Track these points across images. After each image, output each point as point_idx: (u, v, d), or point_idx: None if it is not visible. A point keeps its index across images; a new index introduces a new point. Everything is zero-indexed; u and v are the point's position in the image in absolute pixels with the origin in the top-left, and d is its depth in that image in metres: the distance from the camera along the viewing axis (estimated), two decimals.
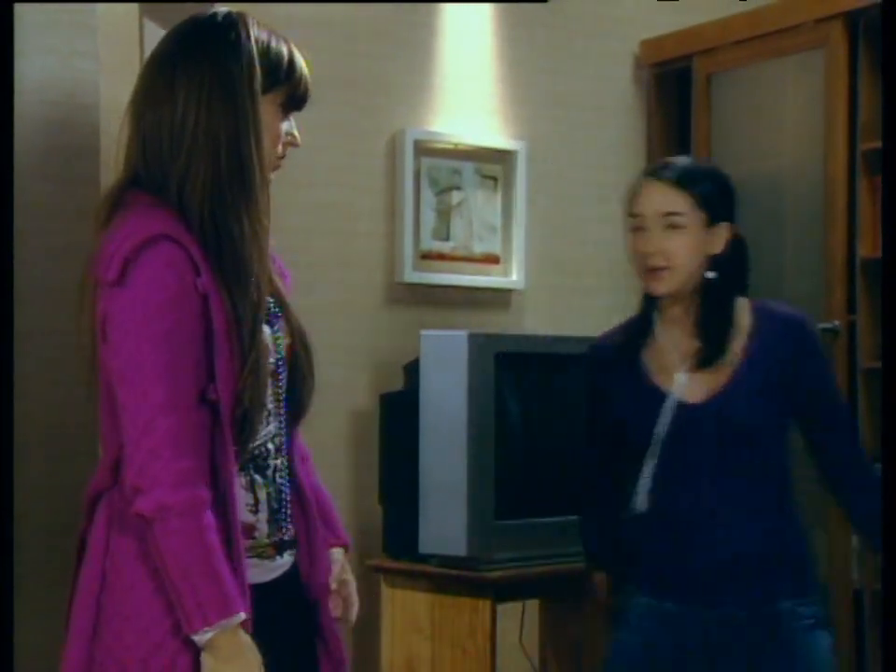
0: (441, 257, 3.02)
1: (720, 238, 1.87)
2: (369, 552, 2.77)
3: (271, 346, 1.57)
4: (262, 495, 1.57)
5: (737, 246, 1.90)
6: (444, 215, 3.04)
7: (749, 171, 3.21)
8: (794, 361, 1.83)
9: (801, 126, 3.09)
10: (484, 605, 2.55)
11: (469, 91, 3.08)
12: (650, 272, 1.87)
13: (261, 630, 1.54)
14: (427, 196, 3.00)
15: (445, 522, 2.56)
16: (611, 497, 1.93)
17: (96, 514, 1.53)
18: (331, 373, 2.77)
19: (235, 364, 1.49)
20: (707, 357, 1.82)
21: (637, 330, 1.92)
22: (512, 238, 3.11)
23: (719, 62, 3.19)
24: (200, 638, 1.44)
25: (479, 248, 3.08)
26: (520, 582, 2.63)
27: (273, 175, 1.62)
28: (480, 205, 3.08)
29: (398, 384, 2.80)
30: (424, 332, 2.64)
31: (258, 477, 1.57)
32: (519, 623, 2.98)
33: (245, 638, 1.46)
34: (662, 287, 1.86)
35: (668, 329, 1.90)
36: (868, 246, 2.88)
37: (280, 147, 1.61)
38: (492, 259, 3.10)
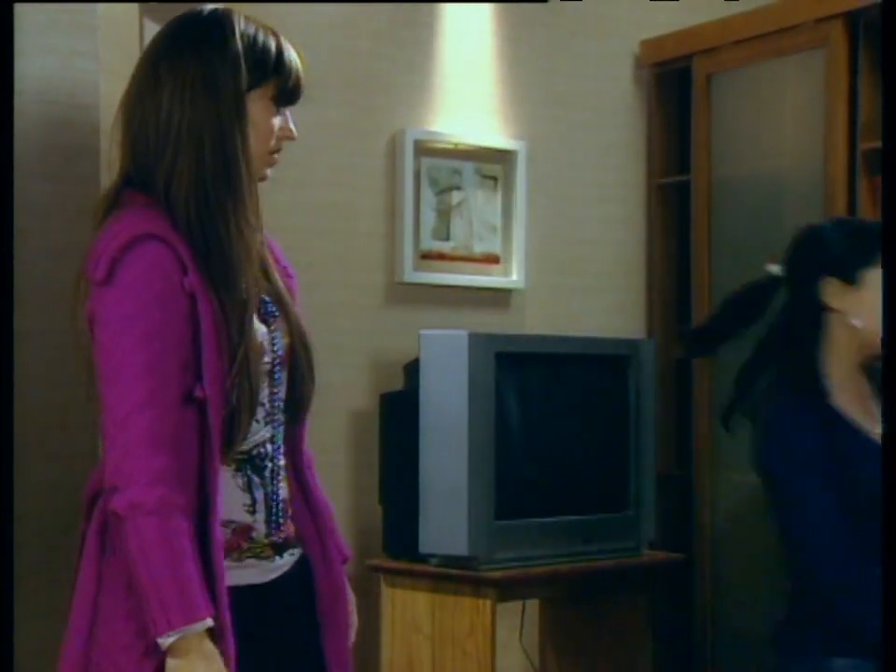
0: (442, 257, 3.02)
1: None
2: (369, 551, 2.77)
3: (266, 345, 1.57)
4: (259, 495, 1.57)
5: None
6: (444, 215, 3.04)
7: (749, 171, 3.21)
8: None
9: (801, 126, 3.08)
10: (485, 605, 2.55)
11: (469, 90, 3.08)
12: None
13: (260, 631, 1.54)
14: (427, 196, 3.00)
15: (445, 521, 2.56)
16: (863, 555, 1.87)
17: (93, 514, 1.53)
18: (331, 373, 2.77)
19: (223, 363, 1.49)
20: None
21: None
22: (513, 238, 3.11)
23: (719, 62, 3.19)
24: (163, 642, 1.43)
25: (479, 248, 3.08)
26: (520, 582, 2.63)
27: (269, 171, 1.61)
28: (480, 205, 3.08)
29: (398, 384, 2.80)
30: (424, 332, 2.64)
31: (255, 477, 1.57)
32: (519, 622, 2.98)
33: (209, 646, 1.45)
34: None
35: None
36: None
37: (274, 142, 1.59)
38: (492, 259, 3.10)
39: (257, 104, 1.56)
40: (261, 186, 1.72)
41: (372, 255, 2.94)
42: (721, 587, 3.17)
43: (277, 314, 1.61)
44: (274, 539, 1.58)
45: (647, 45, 3.33)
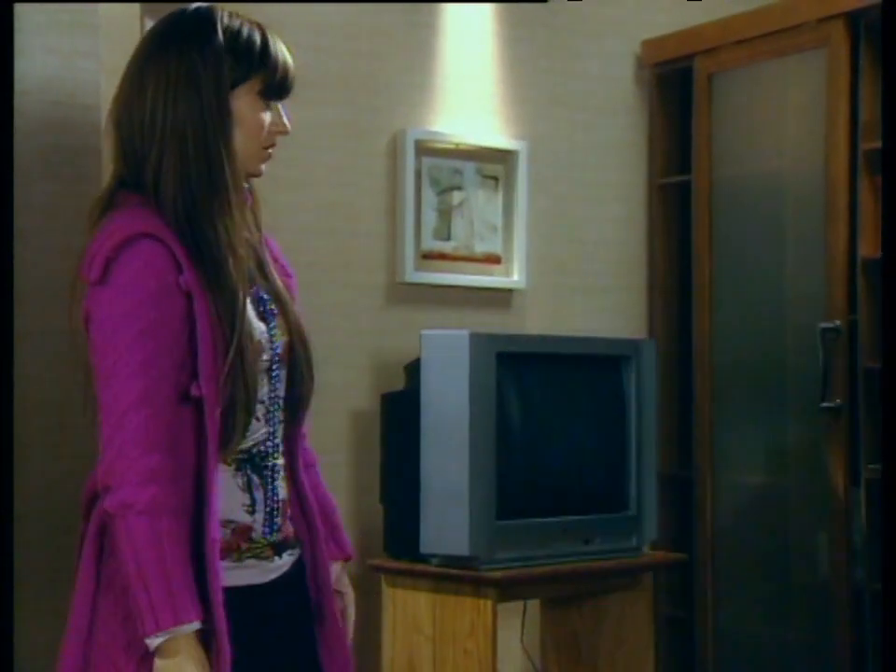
0: (443, 256, 3.02)
1: None
2: (370, 551, 2.77)
3: (264, 343, 1.56)
4: (259, 495, 1.56)
5: None
6: (445, 214, 3.03)
7: (750, 171, 3.21)
8: None
9: (802, 126, 3.08)
10: (486, 604, 2.54)
11: (470, 90, 3.08)
12: None
13: (260, 631, 1.54)
14: (429, 196, 3.00)
15: (446, 521, 2.56)
16: None
17: (92, 515, 1.53)
18: (332, 373, 2.77)
19: (220, 361, 1.49)
20: None
21: None
22: (514, 238, 3.11)
23: (720, 61, 3.19)
24: (151, 642, 1.43)
25: (480, 248, 3.08)
26: (521, 582, 2.63)
27: (264, 167, 1.61)
28: (481, 205, 3.08)
29: (399, 384, 2.80)
30: (425, 332, 2.64)
31: (254, 477, 1.56)
32: (520, 622, 2.98)
33: (197, 648, 1.44)
34: None
35: None
36: (869, 246, 2.88)
37: (266, 137, 1.59)
38: (493, 259, 3.10)
39: (243, 99, 1.55)
40: (263, 186, 1.72)
41: (374, 255, 2.94)
42: (722, 586, 3.17)
43: (276, 312, 1.61)
44: (274, 539, 1.58)
45: (648, 45, 3.33)
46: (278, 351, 1.59)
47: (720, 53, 3.19)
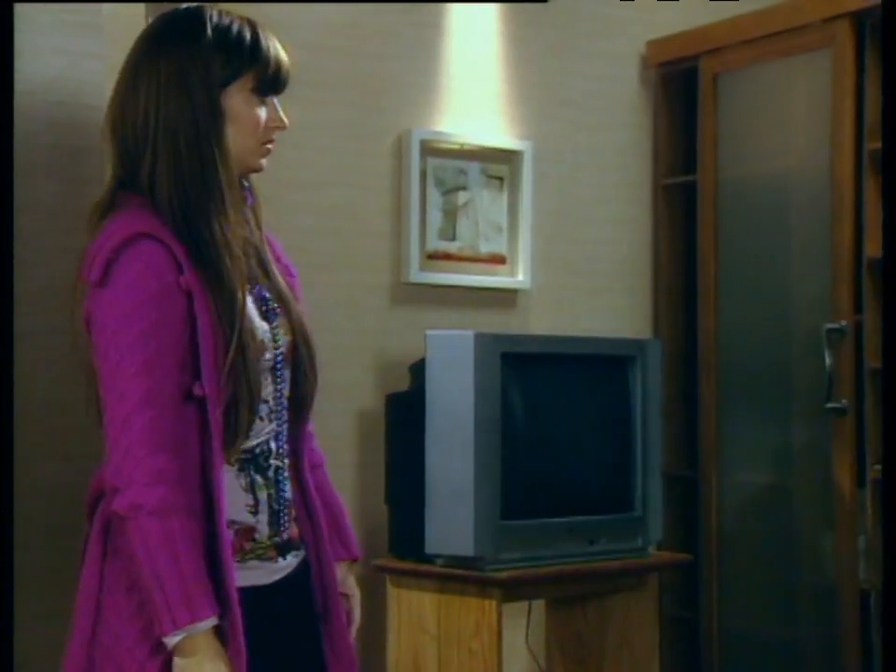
0: (448, 257, 3.02)
1: None
2: (375, 552, 2.76)
3: (267, 343, 1.56)
4: (263, 496, 1.56)
5: None
6: (450, 215, 3.03)
7: (755, 170, 3.21)
8: None
9: (808, 126, 3.08)
10: (491, 605, 2.54)
11: (475, 91, 3.08)
12: None
13: (265, 631, 1.54)
14: (434, 196, 3.00)
15: (451, 522, 2.56)
16: None
17: (95, 515, 1.53)
18: (337, 374, 2.77)
19: (221, 360, 1.49)
20: None
21: None
22: (519, 238, 3.11)
23: (725, 61, 3.19)
24: (169, 641, 1.43)
25: (485, 248, 3.08)
26: (526, 582, 2.63)
27: (264, 161, 1.61)
28: (486, 205, 3.08)
29: (404, 384, 2.80)
30: (430, 332, 2.64)
31: (258, 478, 1.56)
32: (525, 623, 2.98)
33: (216, 645, 1.44)
34: None
35: None
36: (875, 246, 2.87)
37: (263, 133, 1.58)
38: (498, 260, 3.10)
39: (237, 97, 1.55)
40: (268, 186, 1.73)
41: (379, 255, 2.94)
42: (727, 587, 3.16)
43: (279, 311, 1.61)
44: (278, 539, 1.58)
45: (653, 45, 3.33)
46: (282, 350, 1.59)
47: (725, 53, 3.18)
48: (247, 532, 1.55)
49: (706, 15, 3.29)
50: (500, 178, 3.10)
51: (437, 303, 3.00)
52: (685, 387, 3.31)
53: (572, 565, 2.69)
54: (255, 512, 1.56)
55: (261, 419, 1.57)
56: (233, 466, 1.55)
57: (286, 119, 1.61)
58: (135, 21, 2.46)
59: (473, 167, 3.05)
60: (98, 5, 2.21)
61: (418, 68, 2.99)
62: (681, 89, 3.35)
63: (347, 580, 1.73)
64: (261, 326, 1.57)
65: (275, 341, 1.58)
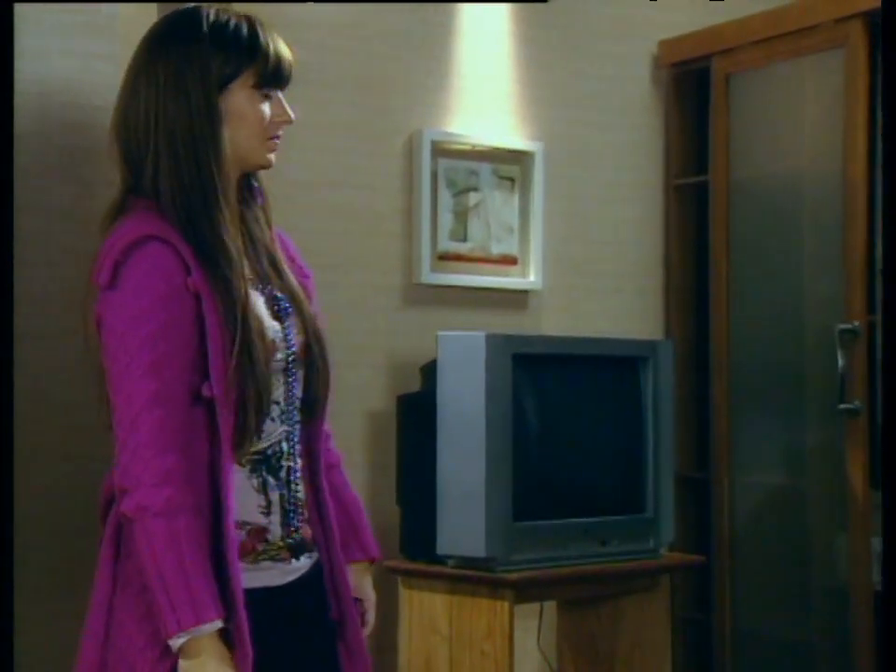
0: (459, 258, 3.02)
1: None
2: (386, 553, 2.76)
3: (279, 343, 1.56)
4: (275, 496, 1.56)
5: None
6: (462, 216, 3.03)
7: (767, 171, 3.20)
8: None
9: (820, 126, 3.07)
10: (502, 606, 2.54)
11: (486, 91, 3.08)
12: None
13: (278, 632, 1.54)
14: (445, 197, 3.00)
15: (463, 523, 2.55)
16: None
17: (109, 517, 1.54)
18: (348, 374, 2.77)
19: (230, 361, 1.49)
20: None
21: None
22: (530, 239, 3.10)
23: (737, 62, 3.18)
24: (174, 643, 1.43)
25: (496, 249, 3.08)
26: (538, 584, 2.62)
27: (272, 157, 1.61)
28: (497, 206, 3.08)
29: (415, 385, 2.79)
30: (441, 333, 2.63)
31: (270, 478, 1.56)
32: (537, 624, 2.97)
33: (220, 647, 1.44)
34: None
35: None
36: None
37: (269, 128, 1.58)
38: (509, 260, 3.10)
39: (239, 94, 1.55)
40: (278, 187, 1.73)
41: (390, 256, 2.94)
42: (740, 589, 3.15)
43: (291, 311, 1.61)
44: (291, 541, 1.58)
45: (665, 45, 3.32)
46: (294, 350, 1.59)
47: (737, 53, 3.17)
48: (260, 533, 1.55)
49: (717, 15, 3.28)
50: (511, 179, 3.10)
51: (448, 304, 3.00)
52: (697, 388, 3.30)
53: (584, 566, 2.68)
54: (267, 513, 1.56)
55: (273, 420, 1.57)
56: (245, 466, 1.55)
57: (291, 113, 1.60)
58: (148, 21, 2.45)
59: (484, 168, 3.05)
60: (112, 8, 2.22)
61: (429, 69, 2.99)
62: (693, 89, 3.34)
63: (362, 583, 1.72)
64: (272, 326, 1.57)
65: (287, 341, 1.58)
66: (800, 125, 3.12)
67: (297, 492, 1.59)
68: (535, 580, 2.60)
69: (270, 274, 1.60)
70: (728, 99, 3.20)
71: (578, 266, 3.22)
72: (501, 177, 3.09)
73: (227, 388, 1.48)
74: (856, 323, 2.90)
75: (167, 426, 1.45)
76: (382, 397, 2.89)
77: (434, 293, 2.99)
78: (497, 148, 3.07)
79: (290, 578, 1.58)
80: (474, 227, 3.05)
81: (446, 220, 3.00)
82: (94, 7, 2.19)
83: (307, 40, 2.73)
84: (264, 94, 1.57)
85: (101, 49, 2.18)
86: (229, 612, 1.46)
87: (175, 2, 2.35)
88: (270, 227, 1.65)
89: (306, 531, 1.61)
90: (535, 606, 2.92)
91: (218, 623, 1.44)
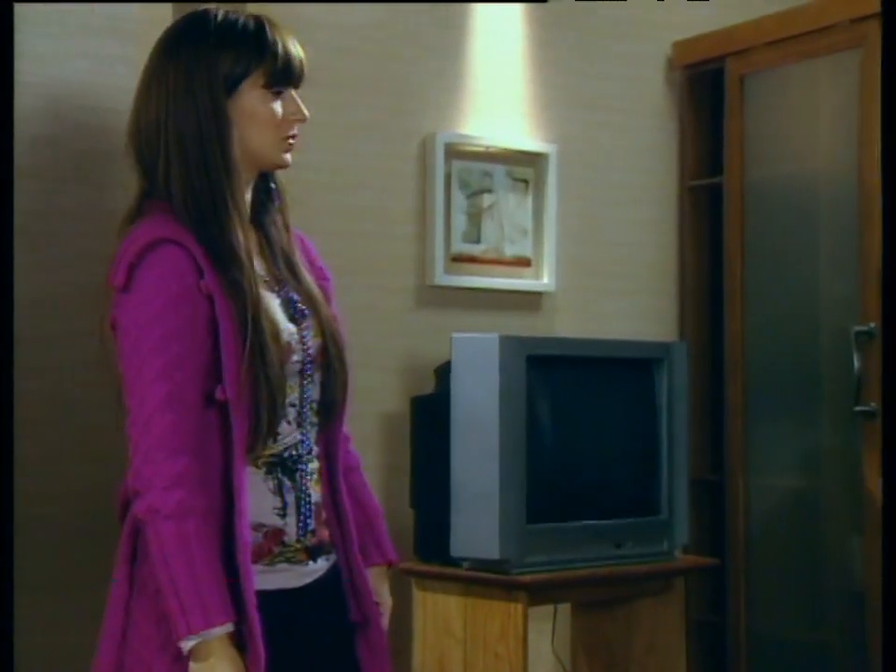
0: (472, 259, 3.02)
1: None
2: (400, 555, 2.75)
3: (295, 345, 1.56)
4: (291, 498, 1.56)
5: None
6: (475, 217, 3.03)
7: (782, 172, 3.18)
8: None
9: (836, 127, 3.06)
10: (516, 608, 2.54)
11: (500, 93, 3.07)
12: None
13: (294, 635, 1.54)
14: (458, 199, 3.00)
15: (477, 525, 2.55)
16: None
17: (126, 519, 1.54)
18: (362, 376, 2.76)
19: (243, 363, 1.49)
20: None
21: None
22: (543, 241, 3.10)
23: (752, 62, 3.17)
24: (184, 645, 1.43)
25: (510, 251, 3.08)
26: (552, 586, 2.62)
27: (288, 156, 1.60)
28: (511, 208, 3.08)
29: (429, 387, 2.79)
30: (455, 335, 2.63)
31: (286, 480, 1.56)
32: (551, 626, 2.97)
33: (231, 650, 1.44)
34: None
35: None
36: None
37: (283, 126, 1.58)
38: (523, 262, 3.10)
39: (250, 94, 1.55)
40: (292, 189, 1.73)
41: (403, 258, 2.94)
42: (754, 591, 3.14)
43: (307, 313, 1.61)
44: (307, 543, 1.58)
45: (679, 46, 3.31)
46: (311, 353, 1.59)
47: (752, 54, 3.16)
48: (276, 535, 1.55)
49: (732, 16, 3.27)
50: (525, 181, 3.10)
51: (462, 306, 3.00)
52: (711, 390, 3.29)
53: (598, 568, 2.67)
54: (283, 515, 1.55)
55: (288, 423, 1.56)
56: (260, 469, 1.55)
57: (305, 111, 1.60)
58: (162, 24, 2.46)
59: (498, 170, 3.05)
60: (127, 9, 2.23)
61: (443, 71, 2.99)
62: (707, 90, 3.33)
63: (380, 586, 1.72)
64: (288, 328, 1.57)
65: (303, 343, 1.58)
66: (815, 126, 3.11)
67: (313, 494, 1.59)
68: (549, 582, 2.59)
69: (286, 277, 1.60)
70: (743, 100, 3.19)
71: (592, 268, 3.22)
72: (515, 179, 3.09)
73: (240, 391, 1.48)
74: (872, 324, 2.89)
75: (179, 428, 1.45)
76: (395, 398, 2.89)
77: (448, 295, 2.99)
78: (511, 150, 3.06)
79: (307, 580, 1.58)
80: (488, 229, 3.04)
81: (460, 222, 3.00)
82: (109, 10, 2.19)
83: (320, 42, 2.74)
84: (276, 93, 1.57)
85: (116, 52, 2.19)
86: (240, 615, 1.46)
87: (190, 2, 2.36)
88: (287, 229, 1.65)
89: (323, 533, 1.61)
90: (549, 608, 2.91)
91: (229, 627, 1.44)
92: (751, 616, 3.14)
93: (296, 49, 1.58)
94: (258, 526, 1.54)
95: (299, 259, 1.64)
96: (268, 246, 1.62)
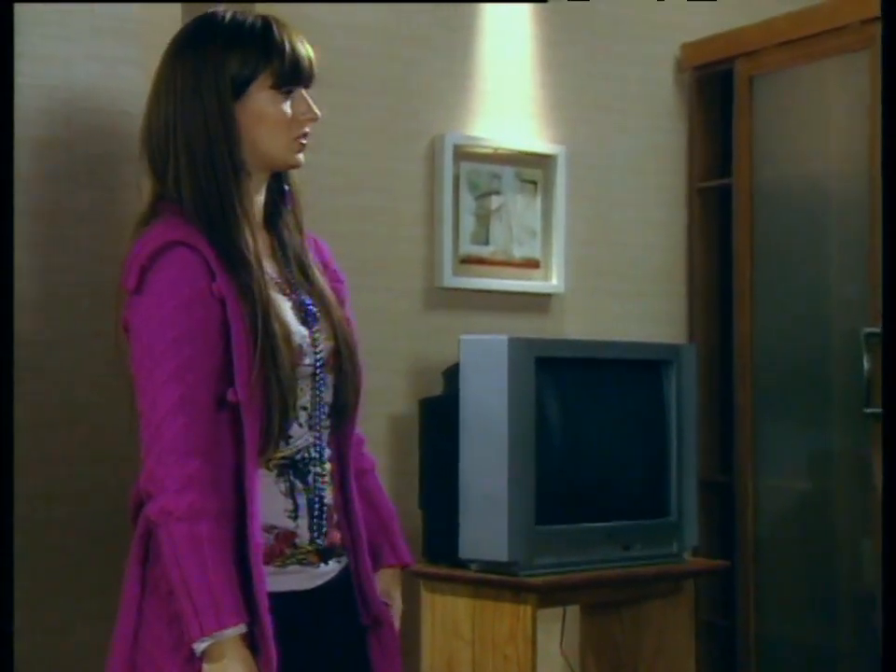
0: (481, 261, 3.02)
1: None
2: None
3: (306, 348, 1.56)
4: (302, 501, 1.56)
5: None
6: (484, 219, 3.03)
7: (792, 174, 3.18)
8: None
9: (845, 128, 3.05)
10: (525, 610, 2.53)
11: (508, 94, 3.07)
12: None
13: (305, 636, 1.54)
14: (467, 200, 2.99)
15: (486, 527, 2.55)
16: None
17: (139, 520, 1.54)
18: (370, 378, 2.75)
19: (254, 366, 1.49)
20: None
21: None
22: (552, 242, 3.10)
23: (761, 64, 3.16)
24: (197, 647, 1.44)
25: (519, 253, 3.07)
26: (561, 588, 2.62)
27: (300, 156, 1.60)
28: (520, 210, 3.07)
29: (437, 388, 2.79)
30: (464, 337, 2.63)
31: (297, 482, 1.56)
32: (560, 628, 2.96)
33: (243, 652, 1.44)
34: None
35: None
36: None
37: (294, 126, 1.57)
38: (532, 264, 3.09)
39: (259, 95, 1.55)
40: (300, 191, 1.73)
41: (412, 259, 2.94)
42: (764, 594, 3.13)
43: (319, 316, 1.61)
44: (319, 545, 1.58)
45: (688, 48, 3.31)
46: (322, 356, 1.59)
47: (761, 56, 3.16)
48: (288, 537, 1.55)
49: (741, 17, 3.26)
50: (534, 182, 3.10)
51: (470, 308, 3.00)
52: (721, 392, 3.29)
53: (607, 570, 2.67)
54: (294, 517, 1.56)
55: (301, 425, 1.56)
56: (272, 471, 1.55)
57: (316, 110, 1.59)
58: (172, 26, 2.47)
59: (507, 171, 3.05)
60: (135, 10, 2.23)
61: (451, 72, 2.99)
62: (717, 92, 3.33)
63: (392, 588, 1.72)
64: (299, 331, 1.57)
65: (315, 346, 1.58)
66: (824, 127, 3.10)
67: (325, 496, 1.59)
68: (558, 584, 2.59)
69: (299, 280, 1.60)
70: (752, 101, 3.18)
71: (600, 269, 3.21)
72: (524, 181, 3.08)
73: (251, 393, 1.48)
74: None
75: (191, 431, 1.46)
76: (404, 400, 2.89)
77: (456, 297, 2.99)
78: (520, 152, 3.06)
79: (318, 582, 1.58)
80: (496, 230, 3.04)
81: (468, 224, 3.00)
82: (119, 13, 2.20)
83: (329, 43, 2.74)
84: (286, 93, 1.57)
85: (126, 55, 2.20)
86: (253, 616, 1.46)
87: (199, 2, 2.36)
88: (301, 231, 1.65)
89: (335, 536, 1.60)
90: (557, 610, 2.91)
91: (241, 628, 1.44)
92: (761, 618, 3.13)
93: (305, 49, 1.58)
94: (269, 528, 1.54)
95: (311, 261, 1.64)
96: (280, 249, 1.62)
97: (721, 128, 3.32)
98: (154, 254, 1.49)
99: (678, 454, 2.81)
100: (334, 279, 1.67)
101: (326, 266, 1.67)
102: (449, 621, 2.65)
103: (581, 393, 2.73)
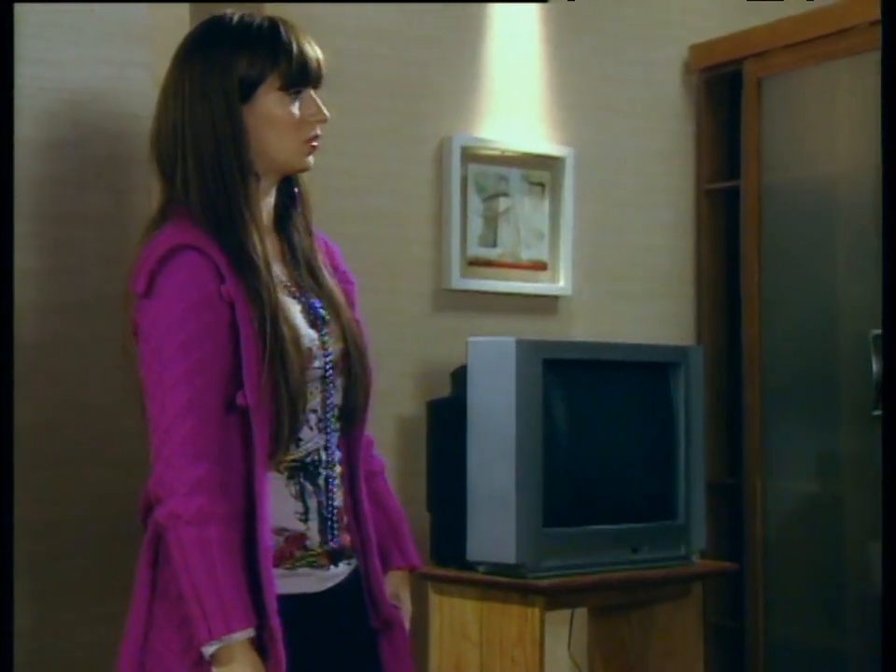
0: (489, 263, 3.02)
1: None
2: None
3: (316, 351, 1.56)
4: (312, 503, 1.56)
5: None
6: (491, 221, 3.03)
7: (801, 176, 3.17)
8: None
9: (854, 130, 3.04)
10: (533, 613, 2.53)
11: (516, 96, 3.07)
12: None
13: (315, 639, 1.54)
14: (475, 203, 2.99)
15: (493, 529, 2.55)
16: None
17: (148, 524, 1.55)
18: (378, 380, 2.76)
19: (264, 369, 1.49)
20: None
21: None
22: (560, 245, 3.10)
23: (770, 65, 3.16)
24: (206, 650, 1.44)
25: (526, 255, 3.07)
26: (568, 590, 2.61)
27: (310, 158, 1.60)
28: (527, 212, 3.07)
29: (445, 390, 2.79)
30: (471, 339, 2.63)
31: (308, 485, 1.56)
32: (567, 631, 2.96)
33: (252, 655, 1.45)
34: None
35: None
36: None
37: (303, 128, 1.57)
38: (539, 266, 3.09)
39: (267, 98, 1.54)
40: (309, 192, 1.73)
41: (419, 261, 2.94)
42: (772, 596, 3.13)
43: (329, 318, 1.61)
44: (329, 547, 1.58)
45: (696, 49, 3.30)
46: (332, 358, 1.59)
47: (769, 57, 3.15)
48: (298, 539, 1.55)
49: (749, 19, 3.26)
50: (542, 185, 3.10)
51: (478, 310, 3.00)
52: (729, 394, 3.28)
53: (615, 573, 2.67)
54: (305, 520, 1.56)
55: (310, 428, 1.56)
56: (282, 474, 1.55)
57: (325, 112, 1.59)
58: (181, 29, 2.48)
59: (514, 173, 3.05)
60: (144, 13, 2.23)
61: (459, 74, 2.99)
62: (725, 93, 3.32)
63: (399, 590, 1.72)
64: (308, 334, 1.57)
65: (324, 349, 1.58)
66: (833, 129, 3.10)
67: (335, 499, 1.59)
68: (565, 586, 2.59)
69: (308, 282, 1.60)
70: (760, 103, 3.18)
71: (608, 272, 3.21)
72: (531, 183, 3.08)
73: (260, 396, 1.48)
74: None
75: (200, 434, 1.46)
76: (412, 402, 2.89)
77: (464, 299, 2.99)
78: (528, 154, 3.06)
79: (328, 584, 1.58)
80: (504, 232, 3.04)
81: (476, 226, 3.00)
82: (127, 15, 2.20)
83: (336, 46, 2.74)
84: (294, 95, 1.56)
85: (135, 57, 2.20)
86: (262, 620, 1.46)
87: (206, 2, 2.37)
88: (310, 234, 1.65)
89: (345, 538, 1.60)
90: (565, 612, 2.90)
91: (250, 632, 1.44)
92: (769, 621, 3.13)
93: (312, 50, 1.58)
94: (279, 531, 1.54)
95: (321, 263, 1.64)
96: (290, 252, 1.62)
97: (729, 130, 3.31)
98: (163, 257, 1.49)
99: (686, 456, 2.80)
100: (344, 281, 1.67)
101: (336, 268, 1.67)
102: (457, 623, 2.65)
103: (589, 395, 2.73)
